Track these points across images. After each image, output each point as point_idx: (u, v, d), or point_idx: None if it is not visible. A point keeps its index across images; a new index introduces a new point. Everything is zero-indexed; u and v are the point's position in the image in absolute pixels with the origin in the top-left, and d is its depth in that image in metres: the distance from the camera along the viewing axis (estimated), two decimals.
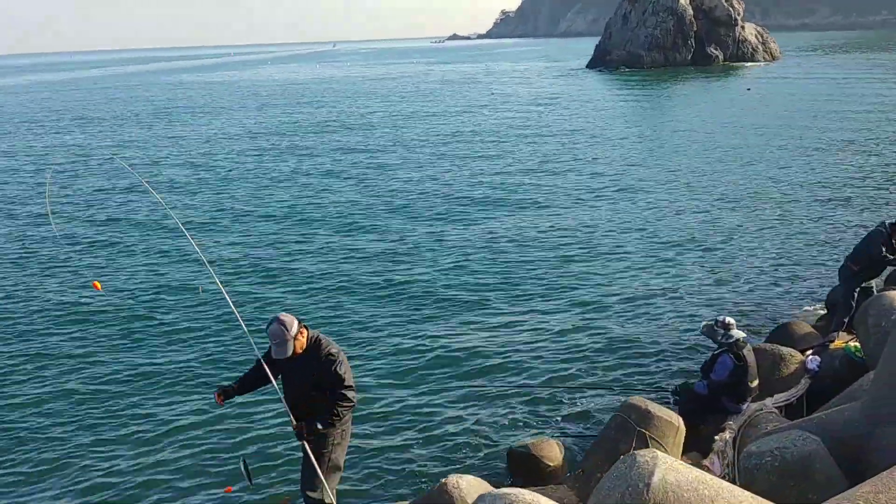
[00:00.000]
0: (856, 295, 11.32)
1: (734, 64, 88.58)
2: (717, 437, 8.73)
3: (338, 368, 6.24)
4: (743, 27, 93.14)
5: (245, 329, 6.82)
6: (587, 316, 13.90)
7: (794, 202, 22.61)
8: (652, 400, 8.81)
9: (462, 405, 10.72)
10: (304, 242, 18.97)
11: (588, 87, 68.83)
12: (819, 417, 7.23)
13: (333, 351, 6.31)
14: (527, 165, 30.07)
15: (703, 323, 9.27)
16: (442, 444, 9.76)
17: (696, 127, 40.18)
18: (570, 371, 11.66)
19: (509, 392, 11.00)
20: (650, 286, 15.37)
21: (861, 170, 27.17)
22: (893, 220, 11.28)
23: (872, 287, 11.66)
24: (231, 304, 7.14)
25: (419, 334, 13.19)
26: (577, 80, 79.21)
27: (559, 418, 10.27)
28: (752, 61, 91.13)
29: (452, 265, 16.89)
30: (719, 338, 8.85)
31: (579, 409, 10.48)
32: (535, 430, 10.02)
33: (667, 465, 4.96)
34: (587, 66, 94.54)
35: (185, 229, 8.69)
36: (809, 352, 10.45)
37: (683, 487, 4.85)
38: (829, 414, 7.28)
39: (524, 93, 66.55)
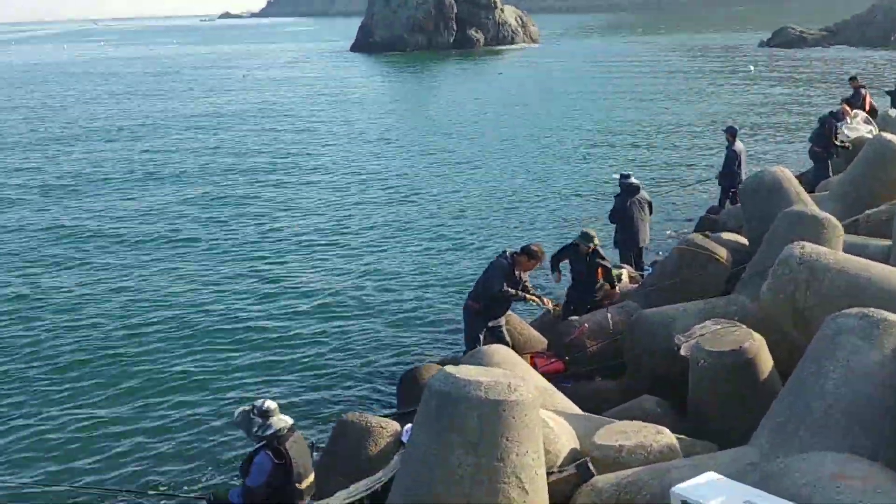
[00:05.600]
0: (482, 338, 9.72)
1: (496, 48, 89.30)
2: None
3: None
4: (502, 10, 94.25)
5: None
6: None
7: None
8: None
9: None
10: None
11: (347, 74, 66.62)
12: None
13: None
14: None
15: (239, 410, 7.13)
16: None
17: (434, 114, 39.48)
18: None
19: None
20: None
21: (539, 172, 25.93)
22: (516, 249, 9.87)
23: (501, 327, 10.09)
24: None
25: None
26: (341, 64, 76.94)
27: None
28: (513, 44, 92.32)
29: None
30: (256, 430, 6.79)
31: None
32: None
33: None
34: (351, 49, 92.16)
35: None
36: None
37: None
38: None
39: (280, 77, 63.70)
